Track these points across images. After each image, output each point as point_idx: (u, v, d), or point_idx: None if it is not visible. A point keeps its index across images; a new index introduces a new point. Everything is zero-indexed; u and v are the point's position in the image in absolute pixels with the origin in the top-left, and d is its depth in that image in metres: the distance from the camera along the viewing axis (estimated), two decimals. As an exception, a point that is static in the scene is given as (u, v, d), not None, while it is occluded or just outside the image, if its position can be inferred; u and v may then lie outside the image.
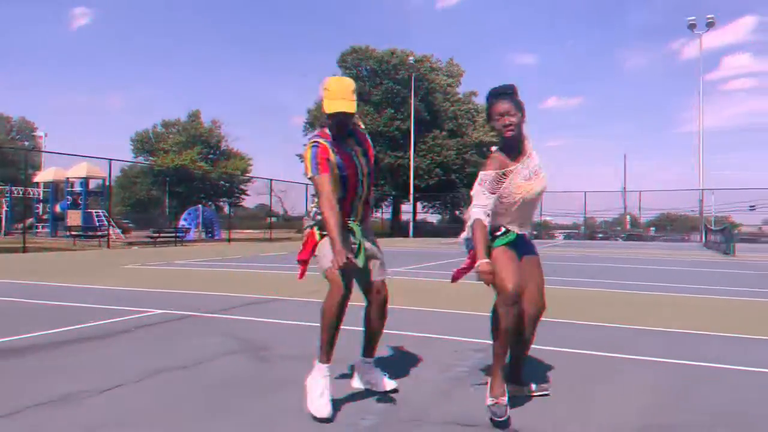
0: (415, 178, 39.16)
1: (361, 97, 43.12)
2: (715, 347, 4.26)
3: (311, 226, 2.91)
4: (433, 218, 48.61)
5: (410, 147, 38.90)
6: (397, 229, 42.07)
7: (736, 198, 34.83)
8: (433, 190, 41.07)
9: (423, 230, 40.45)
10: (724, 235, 20.65)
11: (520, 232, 2.88)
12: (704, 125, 33.78)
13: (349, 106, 2.76)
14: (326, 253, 2.72)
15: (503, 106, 2.70)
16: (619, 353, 3.93)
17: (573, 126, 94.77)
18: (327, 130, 2.86)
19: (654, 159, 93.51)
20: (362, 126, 3.03)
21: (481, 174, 2.77)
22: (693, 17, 33.86)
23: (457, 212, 48.39)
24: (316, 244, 2.87)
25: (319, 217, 2.79)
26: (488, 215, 2.72)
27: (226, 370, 3.46)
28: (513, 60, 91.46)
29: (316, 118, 47.17)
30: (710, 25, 33.89)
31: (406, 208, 44.83)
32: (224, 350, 3.95)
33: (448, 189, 41.17)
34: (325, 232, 2.72)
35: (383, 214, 45.83)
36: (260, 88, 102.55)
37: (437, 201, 45.88)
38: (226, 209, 48.42)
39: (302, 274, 3.02)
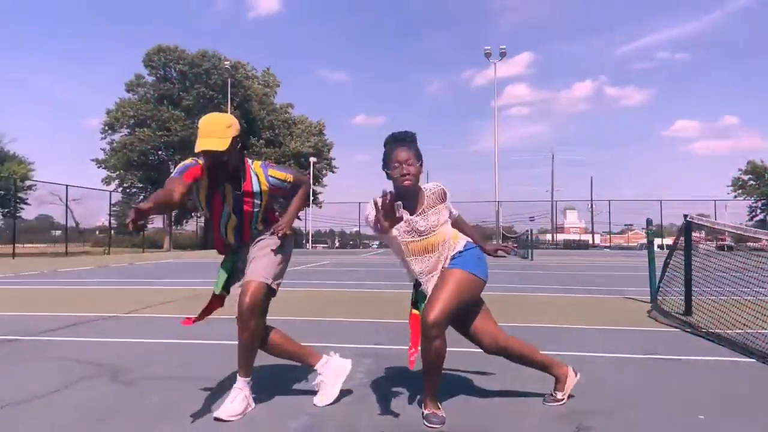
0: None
1: (172, 101, 40.47)
2: (589, 339, 4.72)
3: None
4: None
5: (226, 155, 37.47)
6: (211, 243, 40.10)
7: (518, 210, 40.21)
8: (249, 201, 40.05)
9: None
10: (524, 242, 23.61)
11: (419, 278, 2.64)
12: (490, 145, 38.48)
13: (214, 143, 2.52)
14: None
15: (403, 154, 2.54)
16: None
17: (378, 142, 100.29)
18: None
19: (453, 173, 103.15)
20: (251, 163, 2.79)
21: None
22: (488, 47, 38.26)
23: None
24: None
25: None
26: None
27: (85, 400, 2.87)
28: (326, 76, 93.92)
29: (116, 120, 42.95)
30: (503, 54, 38.54)
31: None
32: (73, 377, 3.30)
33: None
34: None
35: (198, 228, 43.41)
36: (45, 86, 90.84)
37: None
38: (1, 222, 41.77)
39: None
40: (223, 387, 2.96)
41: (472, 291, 2.57)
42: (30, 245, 34.40)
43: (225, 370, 3.32)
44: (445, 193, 2.65)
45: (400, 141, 2.60)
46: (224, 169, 2.61)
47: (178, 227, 43.72)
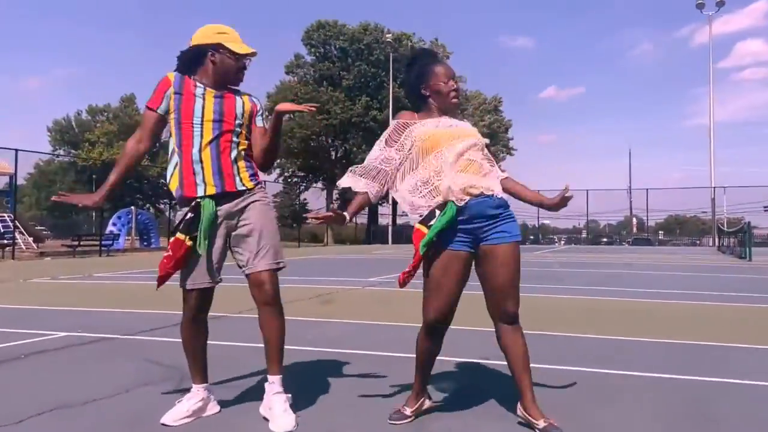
0: (394, 177, 39.01)
1: (332, 81, 42.87)
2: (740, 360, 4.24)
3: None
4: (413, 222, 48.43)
5: (388, 140, 38.76)
6: (374, 235, 41.75)
7: (748, 198, 35.77)
8: (415, 191, 40.94)
9: (404, 236, 40.08)
10: (741, 239, 21.10)
11: (471, 195, 2.65)
12: (714, 119, 34.57)
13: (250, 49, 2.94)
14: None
15: (450, 70, 2.82)
16: (636, 371, 3.71)
17: (571, 118, 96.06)
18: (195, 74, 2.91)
19: (660, 156, 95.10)
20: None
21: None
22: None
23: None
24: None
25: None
26: (382, 170, 2.81)
27: (141, 404, 3.10)
28: (507, 43, 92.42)
29: (277, 104, 46.53)
30: (720, 4, 34.57)
31: (383, 210, 44.58)
32: (142, 379, 3.60)
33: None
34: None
35: (358, 218, 45.55)
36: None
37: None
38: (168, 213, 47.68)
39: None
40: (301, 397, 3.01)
41: None
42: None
43: (311, 379, 3.37)
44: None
45: (437, 57, 2.92)
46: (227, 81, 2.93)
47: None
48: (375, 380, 3.63)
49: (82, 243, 21.64)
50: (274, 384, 2.82)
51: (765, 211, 36.49)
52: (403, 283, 2.77)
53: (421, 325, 2.79)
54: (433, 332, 2.76)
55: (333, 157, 44.82)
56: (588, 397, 3.32)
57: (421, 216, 2.68)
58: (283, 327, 2.87)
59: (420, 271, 2.76)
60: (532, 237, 42.41)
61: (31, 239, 24.67)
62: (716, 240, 30.74)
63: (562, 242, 38.47)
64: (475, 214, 2.65)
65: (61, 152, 50.36)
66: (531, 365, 2.74)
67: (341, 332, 5.45)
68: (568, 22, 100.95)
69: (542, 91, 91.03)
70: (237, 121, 2.87)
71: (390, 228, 40.17)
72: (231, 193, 2.81)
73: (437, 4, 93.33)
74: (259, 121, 2.98)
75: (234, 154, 2.85)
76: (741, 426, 2.83)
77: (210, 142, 2.80)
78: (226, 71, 2.88)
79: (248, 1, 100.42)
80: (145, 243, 29.09)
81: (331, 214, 2.72)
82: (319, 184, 46.70)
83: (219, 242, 2.85)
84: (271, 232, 2.87)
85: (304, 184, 47.09)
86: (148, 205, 45.07)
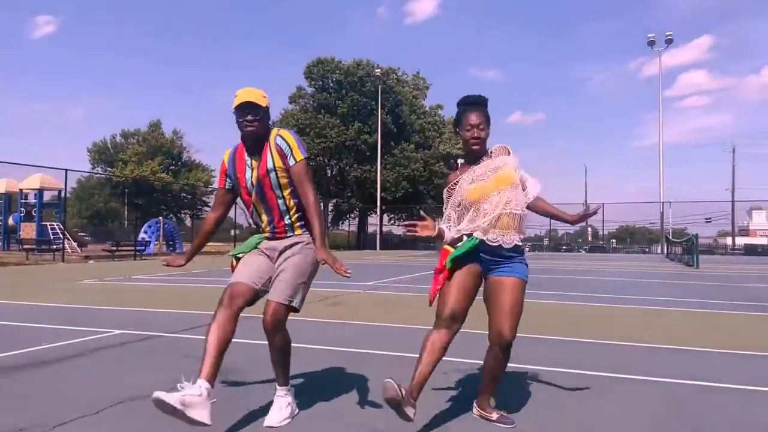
0: (382, 191, 39.10)
1: (328, 109, 42.94)
2: (702, 364, 4.21)
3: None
4: (399, 230, 48.49)
5: (378, 160, 38.83)
6: (363, 242, 41.77)
7: (691, 210, 36.24)
8: (399, 203, 41.06)
9: (390, 243, 40.32)
10: (686, 247, 21.17)
11: (491, 241, 2.62)
12: (662, 140, 34.94)
13: (254, 97, 2.66)
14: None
15: (475, 117, 2.70)
16: (604, 372, 3.83)
17: (534, 140, 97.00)
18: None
19: (613, 173, 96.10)
20: (283, 135, 2.74)
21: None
22: (652, 34, 35.08)
23: (424, 224, 48.38)
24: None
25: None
26: (449, 228, 2.73)
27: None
28: (477, 75, 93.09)
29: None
30: (669, 41, 35.13)
31: (372, 220, 44.68)
32: (190, 374, 3.67)
33: (415, 201, 41.22)
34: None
35: (350, 226, 45.60)
36: (222, 99, 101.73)
37: (404, 213, 45.90)
38: (188, 222, 47.36)
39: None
40: (305, 393, 3.11)
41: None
42: (211, 244, 38.73)
43: (316, 376, 3.48)
44: (509, 150, 2.77)
45: (474, 105, 2.75)
46: (256, 137, 2.69)
47: (335, 227, 46.17)
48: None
49: (119, 248, 21.59)
50: (278, 390, 2.81)
51: (707, 222, 37.16)
52: (432, 302, 2.69)
53: (425, 329, 2.72)
54: (439, 329, 2.59)
55: (329, 175, 44.90)
56: (570, 395, 3.39)
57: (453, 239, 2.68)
58: (283, 350, 2.72)
59: (422, 280, 2.79)
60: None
61: (75, 244, 24.48)
62: (665, 248, 30.88)
63: (527, 249, 38.67)
64: (493, 252, 2.64)
65: (99, 170, 50.07)
66: (516, 365, 2.83)
67: (351, 333, 5.55)
68: (533, 55, 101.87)
69: (509, 116, 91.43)
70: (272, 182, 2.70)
71: (378, 236, 40.21)
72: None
73: (418, 42, 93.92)
74: (290, 161, 2.68)
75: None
76: (719, 427, 2.81)
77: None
78: (240, 129, 2.71)
79: (258, 35, 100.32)
80: (171, 248, 29.00)
81: (427, 223, 2.62)
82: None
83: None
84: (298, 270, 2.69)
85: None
86: (171, 215, 44.83)
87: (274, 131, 2.75)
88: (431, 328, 2.64)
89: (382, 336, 5.20)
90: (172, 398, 2.24)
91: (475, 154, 2.74)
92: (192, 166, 53.04)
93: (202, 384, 2.40)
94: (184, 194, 50.09)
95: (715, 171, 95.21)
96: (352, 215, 44.53)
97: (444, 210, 2.81)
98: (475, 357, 3.67)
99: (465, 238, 2.65)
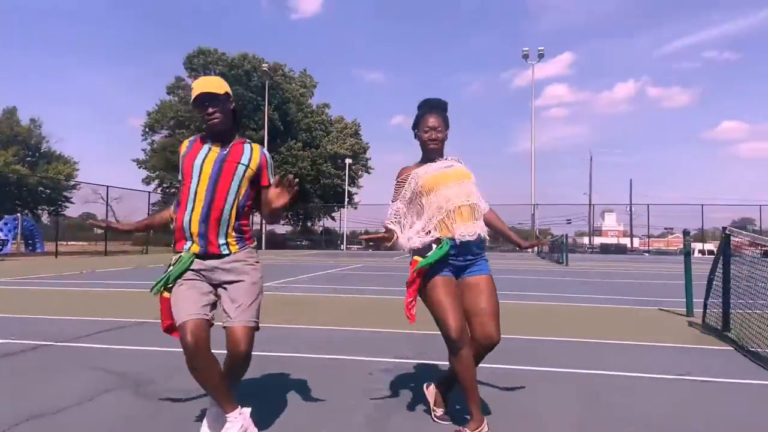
0: (267, 189, 38.22)
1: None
2: (612, 356, 4.54)
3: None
4: (282, 229, 47.61)
5: (263, 157, 37.92)
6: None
7: (554, 213, 39.69)
8: (286, 201, 40.38)
9: (273, 242, 39.44)
10: (552, 246, 22.95)
11: (469, 236, 2.60)
12: (529, 147, 37.67)
13: (213, 86, 2.46)
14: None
15: (435, 121, 2.74)
16: (523, 365, 4.02)
17: (414, 143, 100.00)
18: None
19: (489, 176, 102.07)
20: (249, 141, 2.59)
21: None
22: (527, 48, 37.69)
23: (309, 223, 48.13)
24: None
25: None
26: (398, 222, 2.72)
27: (115, 410, 2.90)
28: (362, 76, 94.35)
29: (156, 121, 43.97)
30: (541, 56, 37.92)
31: (256, 219, 43.54)
32: (101, 387, 3.33)
33: (302, 200, 40.82)
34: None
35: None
36: (91, 87, 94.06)
37: (289, 212, 45.28)
38: (46, 219, 43.24)
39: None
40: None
41: None
42: (74, 243, 35.60)
43: (257, 385, 3.30)
44: (460, 161, 2.83)
45: (434, 107, 2.79)
46: (221, 129, 2.49)
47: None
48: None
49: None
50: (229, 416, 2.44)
51: (567, 223, 40.86)
52: (413, 318, 2.63)
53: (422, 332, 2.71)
54: (462, 349, 2.50)
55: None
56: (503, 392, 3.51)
57: (417, 248, 2.63)
58: (246, 365, 2.51)
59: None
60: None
61: None
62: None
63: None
64: (464, 252, 2.62)
65: None
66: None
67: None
68: (414, 60, 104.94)
69: (392, 119, 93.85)
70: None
71: (263, 236, 39.26)
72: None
73: (305, 39, 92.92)
74: (271, 179, 2.56)
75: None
76: (627, 413, 3.01)
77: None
78: (204, 124, 2.52)
79: (133, 21, 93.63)
80: (30, 248, 26.28)
81: (384, 235, 2.63)
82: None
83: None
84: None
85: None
86: (26, 212, 40.59)
87: (255, 145, 2.60)
88: (450, 354, 2.54)
89: (305, 337, 5.07)
90: None
91: (432, 155, 2.76)
92: (52, 157, 48.43)
93: (230, 416, 2.40)
94: (42, 188, 45.62)
95: (572, 176, 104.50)
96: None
97: (391, 203, 2.78)
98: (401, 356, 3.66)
99: (434, 246, 2.59)
